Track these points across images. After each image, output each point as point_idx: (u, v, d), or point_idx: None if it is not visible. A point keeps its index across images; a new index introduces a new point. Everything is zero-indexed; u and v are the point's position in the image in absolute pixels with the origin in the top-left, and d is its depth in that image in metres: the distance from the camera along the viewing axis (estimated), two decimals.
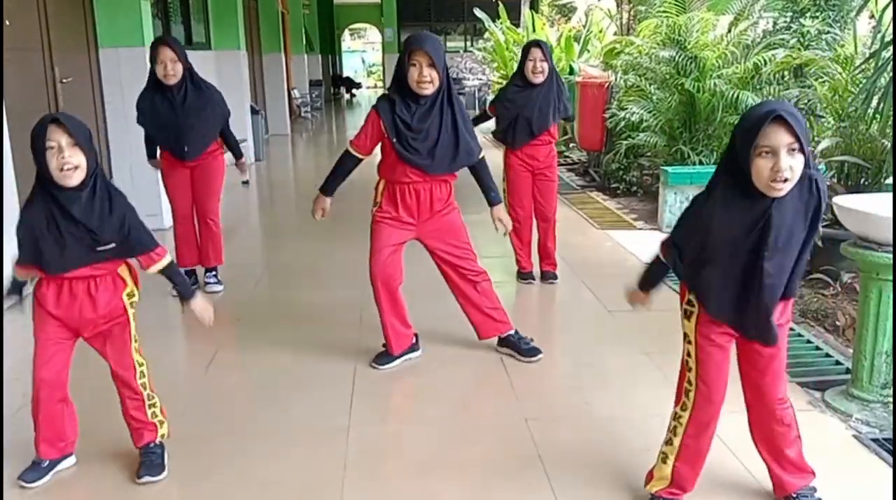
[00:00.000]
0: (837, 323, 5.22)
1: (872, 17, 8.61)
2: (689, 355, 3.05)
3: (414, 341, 4.88)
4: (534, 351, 4.76)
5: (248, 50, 14.18)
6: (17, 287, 3.42)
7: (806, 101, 7.78)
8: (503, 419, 4.05)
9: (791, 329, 5.01)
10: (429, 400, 4.33)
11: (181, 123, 5.64)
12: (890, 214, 3.67)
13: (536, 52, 5.77)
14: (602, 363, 4.68)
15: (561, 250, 7.17)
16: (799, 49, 8.30)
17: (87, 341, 3.42)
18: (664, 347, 4.66)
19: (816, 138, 6.60)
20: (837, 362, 4.60)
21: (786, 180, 2.58)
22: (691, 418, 3.07)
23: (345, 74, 35.59)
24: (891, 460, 3.58)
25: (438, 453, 3.74)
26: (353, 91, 33.96)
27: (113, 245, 3.18)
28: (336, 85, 33.03)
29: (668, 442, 3.16)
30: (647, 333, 5.06)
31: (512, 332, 4.84)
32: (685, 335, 3.05)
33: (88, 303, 3.27)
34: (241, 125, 10.94)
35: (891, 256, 3.74)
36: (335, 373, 4.63)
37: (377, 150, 4.54)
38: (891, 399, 3.95)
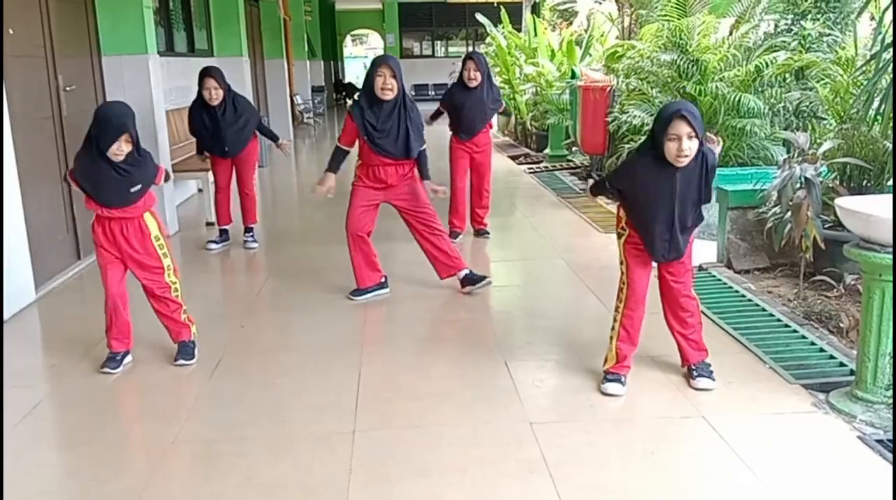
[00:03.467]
0: (841, 325, 5.21)
1: (873, 18, 8.62)
2: (621, 263, 4.33)
3: (383, 281, 6.16)
4: (483, 278, 6.13)
5: (251, 56, 14.22)
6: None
7: (808, 103, 7.79)
8: (507, 422, 4.06)
9: (794, 331, 5.06)
10: (433, 404, 4.33)
11: (223, 133, 7.47)
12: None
13: (470, 64, 7.44)
14: None
15: (564, 254, 7.22)
16: (800, 51, 8.29)
17: (131, 271, 4.74)
18: (667, 350, 4.66)
19: (819, 140, 6.59)
20: (841, 364, 4.60)
21: (686, 156, 3.87)
22: (625, 310, 4.33)
23: (347, 80, 35.60)
24: None
25: (443, 457, 3.74)
26: (356, 97, 33.94)
27: (140, 186, 4.56)
28: (338, 91, 33.05)
29: (612, 329, 4.42)
30: (651, 336, 5.05)
31: (466, 271, 6.13)
32: (620, 251, 4.33)
33: (123, 241, 4.64)
34: None
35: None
36: (339, 377, 4.63)
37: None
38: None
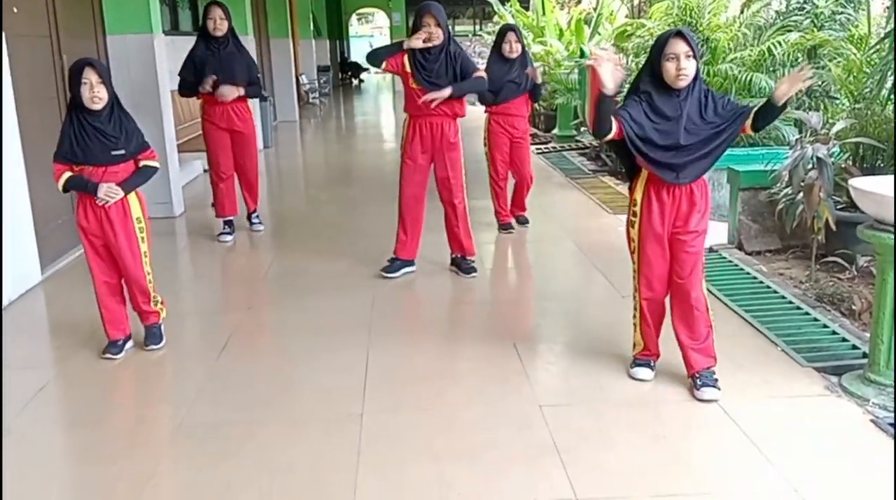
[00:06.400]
0: (853, 307, 5.19)
1: None
2: (633, 252, 4.21)
3: (413, 259, 6.23)
4: (471, 270, 6.15)
5: (256, 35, 14.17)
6: (78, 183, 4.51)
7: (820, 82, 7.74)
8: (517, 405, 4.06)
9: (806, 314, 5.04)
10: (442, 387, 4.34)
11: (220, 65, 7.18)
12: None
13: (511, 35, 7.23)
14: (616, 348, 4.66)
15: (573, 235, 7.21)
16: (812, 30, 8.24)
17: (112, 252, 4.60)
18: None
19: (831, 120, 6.56)
20: (854, 347, 4.59)
21: (685, 76, 3.84)
22: (640, 298, 4.23)
23: (352, 59, 35.49)
24: None
25: (452, 440, 3.74)
26: (362, 76, 33.87)
27: (123, 152, 4.49)
28: (344, 70, 32.97)
29: (634, 317, 4.34)
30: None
31: (466, 257, 6.19)
32: (631, 239, 4.19)
33: (106, 220, 4.53)
34: None
35: None
36: (348, 360, 4.63)
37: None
38: None
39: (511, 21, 16.56)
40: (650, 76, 3.97)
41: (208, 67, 7.13)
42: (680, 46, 3.81)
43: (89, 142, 4.42)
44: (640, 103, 3.96)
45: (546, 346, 4.83)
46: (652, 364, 4.33)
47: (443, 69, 5.73)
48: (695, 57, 3.85)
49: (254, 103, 7.64)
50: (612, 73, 3.84)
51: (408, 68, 5.73)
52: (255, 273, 6.68)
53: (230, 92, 7.22)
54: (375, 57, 5.85)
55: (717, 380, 4.10)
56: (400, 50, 5.78)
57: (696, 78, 3.91)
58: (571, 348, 4.79)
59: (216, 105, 7.34)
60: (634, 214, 4.15)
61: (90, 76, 4.34)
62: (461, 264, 6.17)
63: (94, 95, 4.35)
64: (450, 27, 5.87)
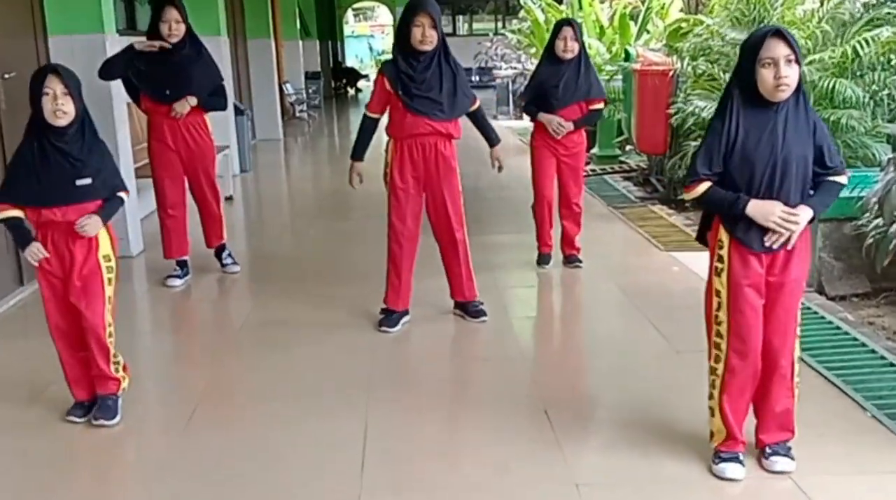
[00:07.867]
0: None
1: None
2: (718, 308, 3.95)
3: (407, 308, 6.29)
4: (479, 313, 6.23)
5: (231, 36, 14.27)
6: (13, 227, 4.57)
7: None
8: (549, 484, 4.06)
9: (883, 357, 5.03)
10: (458, 462, 4.35)
11: (172, 74, 7.05)
12: None
13: (567, 31, 7.12)
14: (669, 415, 4.67)
15: (617, 277, 7.22)
16: None
17: (69, 296, 4.57)
18: None
19: None
20: None
21: (787, 86, 3.67)
22: (726, 370, 3.96)
23: (348, 64, 35.73)
24: None
25: None
26: (359, 85, 34.03)
27: (90, 181, 4.47)
28: (337, 77, 33.16)
29: (711, 397, 4.05)
30: None
31: (471, 301, 6.26)
32: (716, 292, 3.94)
33: (68, 255, 4.52)
34: (222, 128, 10.92)
35: None
36: (342, 430, 4.64)
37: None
38: None
39: (541, 17, 16.70)
40: (739, 88, 3.83)
41: (151, 78, 7.10)
42: (779, 49, 3.67)
43: (48, 165, 4.41)
44: (726, 129, 3.81)
45: (584, 412, 4.84)
46: (742, 457, 4.04)
47: (436, 79, 5.80)
48: (797, 61, 3.70)
49: (213, 117, 7.60)
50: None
51: (388, 86, 5.84)
52: (229, 324, 6.71)
53: (182, 107, 7.13)
54: (364, 129, 6.21)
55: (790, 449, 4.04)
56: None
57: (798, 89, 3.78)
58: (615, 414, 4.80)
59: (163, 118, 7.22)
60: (720, 260, 3.93)
61: (53, 86, 4.34)
62: (467, 307, 6.26)
63: (58, 107, 4.34)
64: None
